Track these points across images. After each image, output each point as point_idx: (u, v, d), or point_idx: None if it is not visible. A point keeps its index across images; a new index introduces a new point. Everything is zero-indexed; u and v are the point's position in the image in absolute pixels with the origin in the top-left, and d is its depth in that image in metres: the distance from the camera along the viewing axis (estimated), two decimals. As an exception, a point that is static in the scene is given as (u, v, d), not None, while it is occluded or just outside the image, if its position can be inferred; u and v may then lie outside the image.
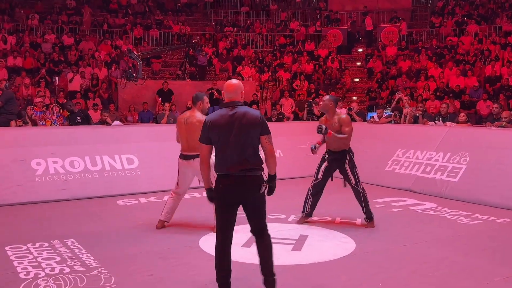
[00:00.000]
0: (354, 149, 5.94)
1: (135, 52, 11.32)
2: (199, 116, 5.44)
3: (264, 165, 3.69)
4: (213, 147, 3.70)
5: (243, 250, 4.92)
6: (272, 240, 5.17)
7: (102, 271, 4.29)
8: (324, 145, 6.04)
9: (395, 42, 17.29)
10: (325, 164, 5.91)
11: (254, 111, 3.70)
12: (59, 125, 9.71)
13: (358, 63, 17.69)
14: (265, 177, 3.69)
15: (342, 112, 11.50)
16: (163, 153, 8.50)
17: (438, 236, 5.47)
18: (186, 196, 7.69)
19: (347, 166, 5.79)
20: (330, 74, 16.01)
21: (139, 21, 18.41)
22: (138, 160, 8.24)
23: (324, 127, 5.68)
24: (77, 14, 17.95)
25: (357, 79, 16.75)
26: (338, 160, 5.82)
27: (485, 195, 7.06)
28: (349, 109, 11.32)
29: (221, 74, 16.05)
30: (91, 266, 4.41)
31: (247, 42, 18.16)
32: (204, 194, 7.93)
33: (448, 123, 9.46)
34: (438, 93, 13.20)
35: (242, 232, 5.53)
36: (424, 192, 7.75)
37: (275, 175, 3.71)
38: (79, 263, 4.48)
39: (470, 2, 18.28)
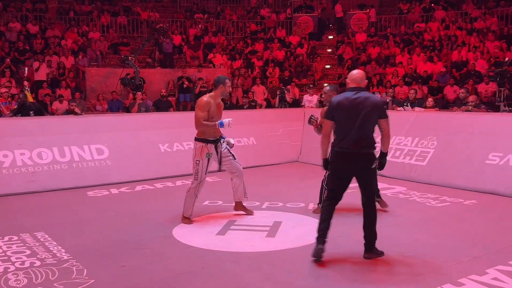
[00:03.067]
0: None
1: (130, 58, 11.04)
2: (205, 97, 5.39)
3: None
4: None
5: (217, 239, 4.92)
6: (246, 228, 5.25)
7: (74, 263, 4.23)
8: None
9: (365, 29, 17.44)
10: (329, 150, 6.08)
11: (375, 97, 4.34)
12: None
13: (329, 50, 17.79)
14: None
15: (314, 100, 11.66)
16: (134, 142, 8.40)
17: (408, 218, 5.60)
18: (158, 185, 7.66)
19: None
20: (301, 61, 16.05)
21: (106, 7, 17.97)
22: (108, 150, 8.11)
23: (315, 118, 5.81)
24: (42, 1, 17.41)
25: (328, 66, 16.86)
26: None
27: (453, 178, 7.25)
28: (321, 96, 11.37)
29: (192, 62, 15.89)
30: (62, 259, 4.33)
31: (218, 29, 18.00)
32: (177, 183, 7.92)
33: (416, 109, 9.63)
34: (406, 79, 13.40)
35: (216, 221, 5.55)
36: (394, 176, 7.89)
37: (386, 153, 4.34)
38: (50, 256, 4.40)
39: (437, -12, 18.54)
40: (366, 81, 4.36)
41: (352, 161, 4.18)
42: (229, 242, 4.81)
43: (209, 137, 5.36)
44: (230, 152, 5.52)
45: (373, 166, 4.19)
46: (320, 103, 11.28)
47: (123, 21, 17.35)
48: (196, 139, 5.40)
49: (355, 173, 4.23)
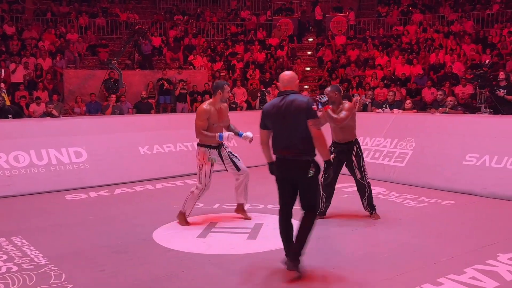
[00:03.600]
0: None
1: (113, 61, 10.85)
2: (204, 105, 5.40)
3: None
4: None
5: (198, 241, 4.90)
6: (227, 230, 5.24)
7: (52, 268, 4.15)
8: (330, 136, 5.64)
9: (344, 32, 17.60)
10: (332, 156, 5.50)
11: (302, 98, 3.96)
12: None
13: (309, 52, 17.91)
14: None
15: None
16: (113, 145, 8.31)
17: (387, 219, 5.64)
18: (138, 188, 7.59)
19: (353, 159, 5.53)
20: (281, 63, 16.12)
21: (85, 9, 17.77)
22: (86, 153, 8.00)
23: (325, 99, 5.10)
24: (18, 2, 17.10)
25: (308, 68, 16.95)
26: (345, 152, 5.54)
27: (431, 178, 7.35)
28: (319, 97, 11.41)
29: (172, 64, 15.81)
30: (40, 264, 4.25)
31: (198, 31, 17.95)
32: (157, 186, 7.86)
33: (395, 110, 9.77)
34: (385, 81, 13.57)
35: (197, 224, 5.52)
36: (374, 177, 7.92)
37: (328, 161, 4.03)
38: (28, 261, 4.32)
39: (414, -8, 18.84)
40: (297, 82, 4.12)
41: (288, 168, 3.96)
42: (210, 245, 4.79)
43: (211, 143, 5.38)
44: (233, 154, 5.55)
45: (310, 175, 3.86)
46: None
47: (102, 22, 17.18)
48: (199, 145, 5.44)
49: (293, 180, 3.99)
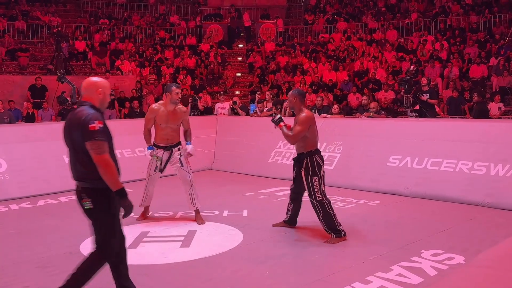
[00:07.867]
0: (235, 143, 5.95)
1: (64, 75, 10.15)
2: (153, 104, 5.74)
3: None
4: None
5: (129, 252, 4.72)
6: (159, 239, 5.13)
7: (-32, 288, 3.85)
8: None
9: (273, 38, 17.92)
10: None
11: (84, 111, 3.14)
12: None
13: (239, 58, 18.03)
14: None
15: (226, 107, 11.71)
16: (35, 154, 7.88)
17: (317, 221, 5.77)
18: (63, 199, 7.24)
19: (302, 172, 4.98)
20: (212, 69, 16.11)
21: (2, 11, 16.78)
22: (6, 163, 7.52)
23: (278, 116, 5.03)
24: None
25: (239, 74, 17.07)
26: (297, 163, 5.13)
27: (357, 180, 7.63)
28: (234, 103, 11.47)
29: (98, 69, 15.29)
30: (-46, 285, 3.93)
31: (125, 35, 17.51)
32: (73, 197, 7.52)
33: (323, 115, 10.06)
34: (313, 87, 13.96)
35: (127, 233, 5.34)
36: (305, 181, 8.13)
37: (119, 191, 3.15)
38: None
39: (339, 1, 19.58)
40: (99, 91, 3.28)
41: (77, 198, 3.32)
42: (141, 254, 4.66)
43: (159, 143, 5.63)
44: (179, 160, 5.68)
45: (86, 206, 3.21)
46: (232, 110, 11.37)
47: (22, 26, 16.29)
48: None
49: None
